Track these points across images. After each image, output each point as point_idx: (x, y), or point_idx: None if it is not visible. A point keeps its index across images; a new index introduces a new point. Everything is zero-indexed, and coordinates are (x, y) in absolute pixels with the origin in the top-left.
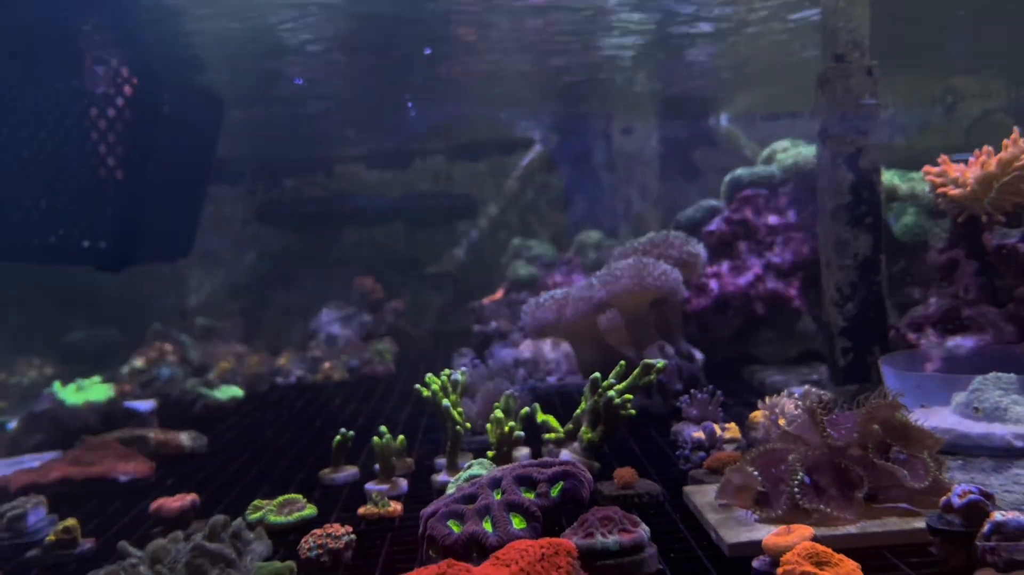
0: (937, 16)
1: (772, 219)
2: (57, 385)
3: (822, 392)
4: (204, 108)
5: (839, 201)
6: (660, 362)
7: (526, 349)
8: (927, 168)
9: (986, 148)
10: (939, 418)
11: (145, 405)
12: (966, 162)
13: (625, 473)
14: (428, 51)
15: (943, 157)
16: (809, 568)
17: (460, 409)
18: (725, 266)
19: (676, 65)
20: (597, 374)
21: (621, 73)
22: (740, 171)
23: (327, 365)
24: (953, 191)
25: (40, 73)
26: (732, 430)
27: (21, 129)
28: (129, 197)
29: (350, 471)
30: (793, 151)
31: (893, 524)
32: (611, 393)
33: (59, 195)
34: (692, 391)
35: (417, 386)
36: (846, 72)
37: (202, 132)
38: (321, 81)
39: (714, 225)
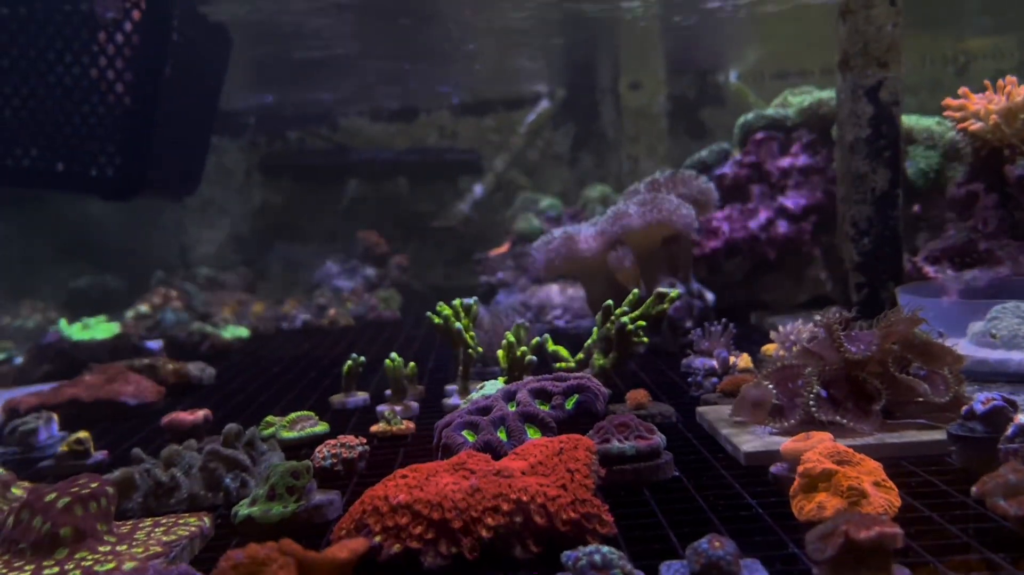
0: None
1: (785, 162)
2: (63, 323)
3: (842, 310)
4: (213, 42)
5: (858, 134)
6: (674, 291)
7: (532, 294)
8: (947, 101)
9: (1010, 79)
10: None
11: (153, 344)
12: None
13: (638, 394)
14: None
15: (964, 89)
16: (830, 465)
17: (472, 333)
18: (736, 209)
19: (688, 16)
20: (610, 301)
21: (631, 27)
22: (754, 114)
23: (332, 311)
24: (974, 126)
25: None
26: (745, 359)
27: (27, 53)
28: (137, 125)
29: (361, 396)
30: (809, 94)
31: (911, 436)
32: (624, 319)
33: (66, 121)
34: (705, 324)
35: (428, 314)
36: (869, 2)
37: (211, 66)
38: (327, 35)
39: (726, 168)
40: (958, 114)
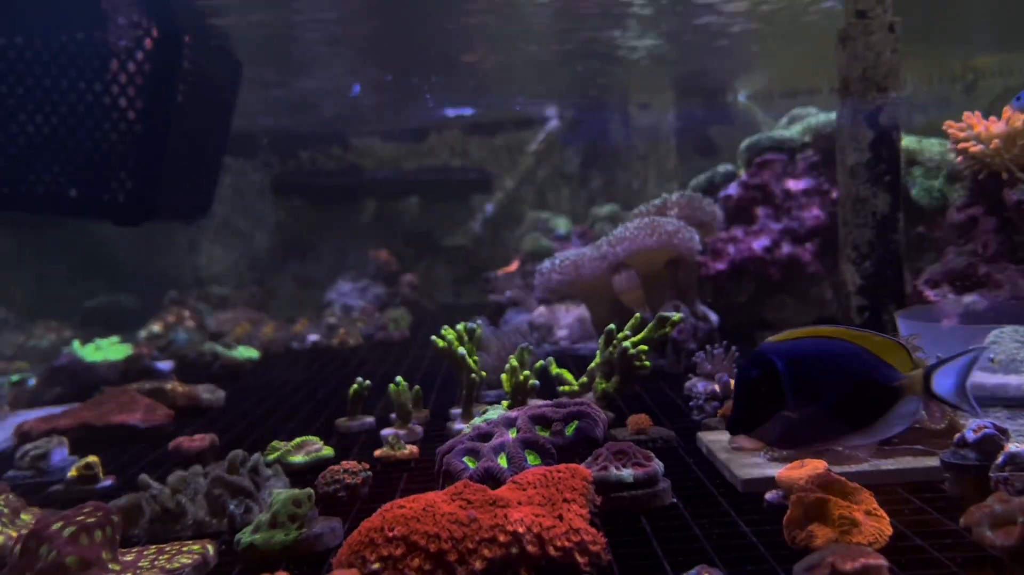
0: None
1: (790, 184)
2: (76, 344)
3: None
4: (224, 67)
5: (858, 158)
6: (676, 315)
7: (540, 315)
8: (949, 124)
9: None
10: None
11: (165, 365)
12: None
13: (639, 419)
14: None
15: (977, 113)
16: (820, 494)
17: (475, 358)
18: (742, 230)
19: (695, 36)
20: (612, 326)
21: (637, 52)
22: (759, 135)
23: (342, 331)
24: (974, 147)
25: (60, 23)
26: None
27: (41, 81)
28: (149, 151)
29: (367, 420)
30: (814, 116)
31: (906, 463)
32: (626, 343)
33: (78, 148)
34: (707, 347)
35: (432, 337)
36: (868, 28)
37: (221, 91)
38: (340, 64)
39: (731, 190)
40: (960, 134)
